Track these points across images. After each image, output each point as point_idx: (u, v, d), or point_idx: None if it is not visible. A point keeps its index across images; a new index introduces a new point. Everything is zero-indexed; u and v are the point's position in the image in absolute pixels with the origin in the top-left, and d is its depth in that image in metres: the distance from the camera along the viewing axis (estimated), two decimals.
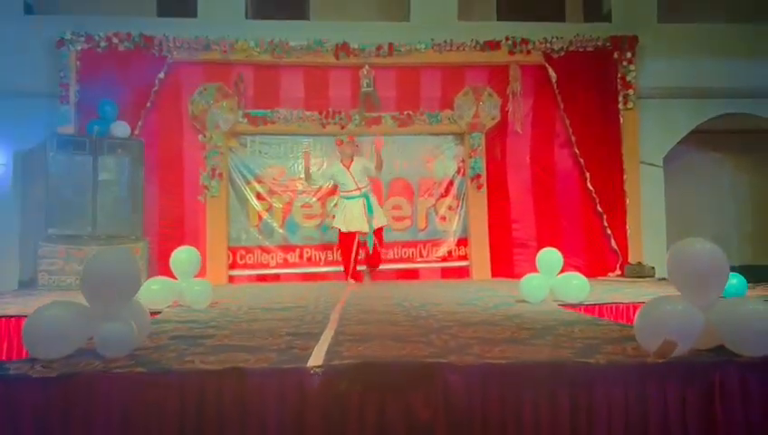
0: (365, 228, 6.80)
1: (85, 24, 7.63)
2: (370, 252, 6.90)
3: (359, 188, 6.84)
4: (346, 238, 6.89)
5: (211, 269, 7.47)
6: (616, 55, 8.17)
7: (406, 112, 7.99)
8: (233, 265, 7.82)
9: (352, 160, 6.95)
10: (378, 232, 6.95)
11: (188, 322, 3.59)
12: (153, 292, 4.29)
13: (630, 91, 8.14)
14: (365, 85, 7.89)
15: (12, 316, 4.02)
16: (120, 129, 7.21)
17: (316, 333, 2.97)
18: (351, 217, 6.80)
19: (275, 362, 2.22)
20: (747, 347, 2.18)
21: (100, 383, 2.03)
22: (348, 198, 6.90)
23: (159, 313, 4.10)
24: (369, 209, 6.82)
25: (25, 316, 2.72)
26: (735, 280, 4.57)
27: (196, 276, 4.65)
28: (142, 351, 2.47)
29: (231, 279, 7.74)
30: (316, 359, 2.27)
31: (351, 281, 6.87)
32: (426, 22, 8.20)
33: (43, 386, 2.02)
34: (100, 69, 7.57)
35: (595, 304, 4.53)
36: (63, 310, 2.31)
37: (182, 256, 4.50)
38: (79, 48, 7.57)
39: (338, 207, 7.15)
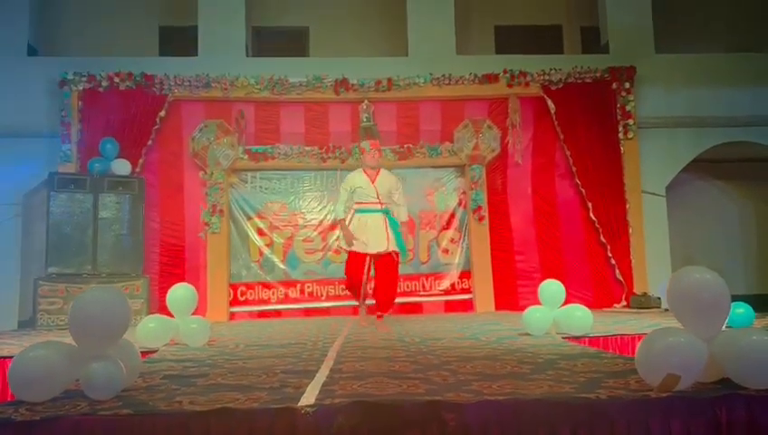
0: (382, 246, 5.73)
1: (87, 65, 7.74)
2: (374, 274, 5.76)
3: (380, 203, 5.85)
4: (355, 258, 5.82)
5: (212, 306, 7.43)
6: (614, 86, 8.22)
7: (406, 146, 8.02)
8: (234, 302, 7.76)
9: (378, 173, 5.99)
10: (392, 262, 5.87)
11: (183, 360, 3.52)
12: (150, 330, 4.23)
13: (630, 121, 8.16)
14: (365, 120, 7.94)
15: (6, 357, 3.95)
16: (121, 166, 7.24)
17: (311, 371, 2.89)
18: (365, 233, 5.75)
19: (266, 402, 2.15)
20: (753, 380, 2.10)
21: (84, 426, 1.96)
22: (364, 210, 5.88)
23: (156, 351, 4.04)
24: (393, 223, 5.82)
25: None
26: (743, 310, 4.49)
27: (196, 313, 4.60)
28: (131, 392, 2.41)
29: (232, 316, 7.67)
30: (308, 398, 2.20)
31: (365, 305, 5.92)
32: (424, 56, 8.29)
33: (27, 430, 1.95)
34: (101, 108, 7.67)
35: (599, 336, 4.44)
36: (49, 351, 2.26)
37: (178, 293, 4.45)
38: (81, 88, 7.66)
39: (344, 225, 6.05)
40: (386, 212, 5.84)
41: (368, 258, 5.78)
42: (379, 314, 5.82)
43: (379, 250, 5.76)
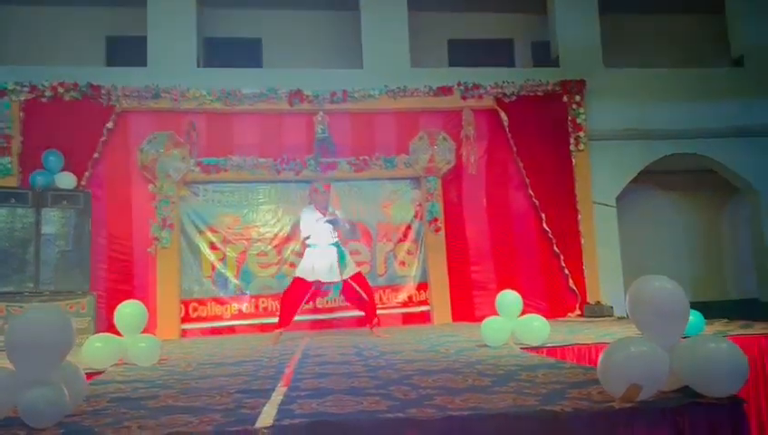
0: (334, 277, 5.93)
1: (29, 74, 7.43)
2: (334, 296, 6.15)
3: (331, 237, 6.07)
4: (300, 286, 5.92)
5: (162, 324, 7.19)
6: (565, 99, 8.36)
7: (361, 158, 7.95)
8: (185, 319, 7.51)
9: (327, 211, 6.18)
10: (360, 280, 6.12)
11: (132, 381, 3.37)
12: (96, 350, 4.05)
13: (581, 133, 8.31)
14: (319, 131, 7.85)
15: None
16: (66, 180, 6.96)
17: (268, 390, 2.80)
18: (319, 264, 5.91)
19: (220, 425, 2.05)
20: (712, 388, 2.11)
21: None
22: (316, 245, 6.02)
23: (103, 372, 3.86)
24: (342, 258, 6.01)
25: None
26: (693, 317, 4.57)
27: (144, 332, 4.43)
28: (75, 417, 2.27)
29: (183, 333, 7.43)
30: (265, 419, 2.11)
31: (281, 332, 5.86)
32: (379, 69, 8.28)
33: None
34: (44, 119, 7.36)
35: (557, 346, 4.46)
36: None
37: (127, 310, 4.27)
38: (22, 98, 7.34)
39: (303, 256, 6.23)
40: (336, 245, 6.03)
41: (311, 288, 5.93)
42: (369, 326, 6.11)
43: (330, 279, 5.94)
